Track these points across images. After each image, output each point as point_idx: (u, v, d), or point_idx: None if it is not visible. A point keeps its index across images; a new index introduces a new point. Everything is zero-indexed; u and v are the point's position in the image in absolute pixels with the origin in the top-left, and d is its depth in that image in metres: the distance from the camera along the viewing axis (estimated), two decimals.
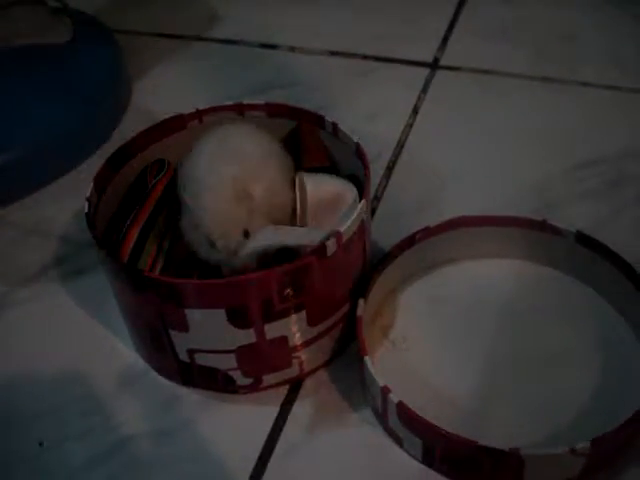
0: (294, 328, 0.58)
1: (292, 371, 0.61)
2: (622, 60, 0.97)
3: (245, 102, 0.69)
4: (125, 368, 0.65)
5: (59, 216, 0.80)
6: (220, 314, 0.55)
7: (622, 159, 0.82)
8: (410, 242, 0.66)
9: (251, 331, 0.56)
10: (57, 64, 0.91)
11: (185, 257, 0.62)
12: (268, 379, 0.61)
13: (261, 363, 0.59)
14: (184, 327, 0.56)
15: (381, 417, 0.58)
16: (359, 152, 0.63)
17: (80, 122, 0.88)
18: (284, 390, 0.62)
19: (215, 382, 0.61)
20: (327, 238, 0.54)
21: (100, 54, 0.96)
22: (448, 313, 0.66)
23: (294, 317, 0.57)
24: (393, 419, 0.55)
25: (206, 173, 0.57)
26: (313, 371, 0.63)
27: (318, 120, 0.67)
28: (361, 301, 0.61)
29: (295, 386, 0.62)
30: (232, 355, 0.58)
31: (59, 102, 0.87)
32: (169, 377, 0.63)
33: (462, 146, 0.86)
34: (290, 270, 0.53)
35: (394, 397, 0.54)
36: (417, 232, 0.67)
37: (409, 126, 0.89)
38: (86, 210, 0.59)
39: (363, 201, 0.58)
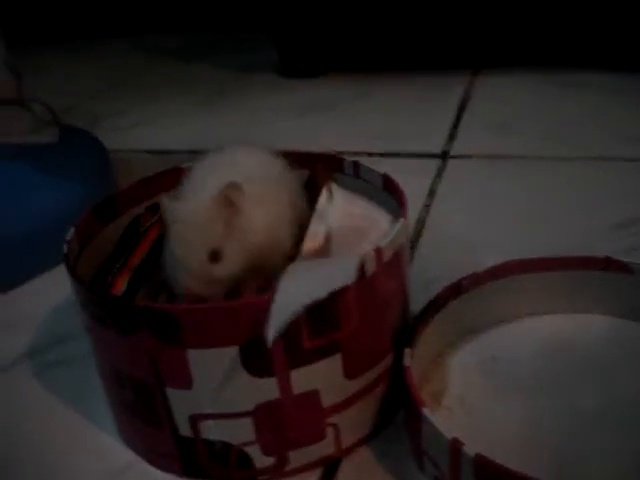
0: (327, 379, 0.45)
1: (326, 446, 0.47)
2: (626, 135, 0.93)
3: None
4: (108, 461, 0.50)
5: (36, 310, 0.69)
6: (233, 355, 0.42)
7: None
8: (456, 290, 0.55)
9: (273, 381, 0.44)
10: (44, 162, 0.85)
11: None
12: (295, 458, 0.47)
13: (286, 432, 0.46)
14: (185, 381, 0.44)
15: None
16: (387, 183, 0.54)
17: (63, 220, 0.79)
18: (316, 475, 0.48)
19: (226, 466, 0.47)
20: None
21: (86, 155, 0.90)
22: (510, 374, 0.54)
23: (327, 362, 0.44)
24: None
25: (190, 181, 0.47)
26: (352, 447, 0.49)
27: (336, 163, 0.59)
28: (407, 350, 0.49)
29: (330, 469, 0.48)
30: (249, 420, 0.45)
31: (44, 198, 0.80)
32: (165, 467, 0.49)
33: (485, 220, 0.78)
34: None
35: (469, 450, 0.40)
36: (463, 278, 0.56)
37: (427, 206, 0.82)
38: (65, 251, 0.49)
39: (402, 219, 0.48)
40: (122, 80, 1.41)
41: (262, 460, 0.46)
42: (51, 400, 0.57)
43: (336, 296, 0.42)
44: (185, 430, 0.46)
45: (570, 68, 1.16)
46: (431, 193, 0.84)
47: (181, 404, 0.45)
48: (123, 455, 0.51)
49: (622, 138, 0.93)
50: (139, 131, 1.14)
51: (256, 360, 0.43)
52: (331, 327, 0.44)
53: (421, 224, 0.78)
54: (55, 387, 0.58)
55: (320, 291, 0.41)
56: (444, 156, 0.94)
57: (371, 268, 0.44)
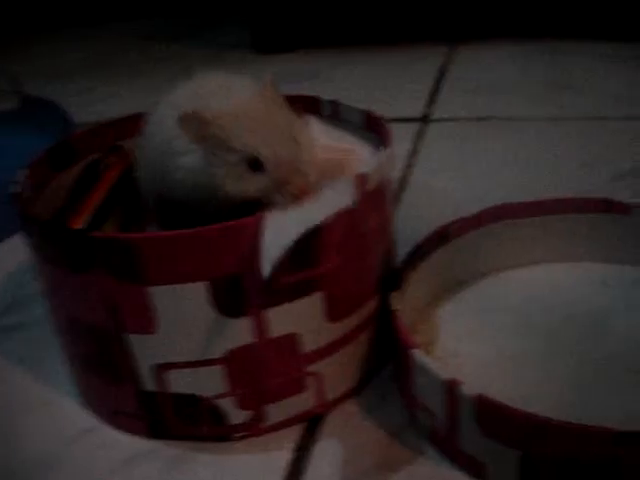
0: (307, 321, 0.41)
1: (307, 399, 0.43)
2: (613, 95, 0.90)
3: None
4: (69, 426, 0.45)
5: None
6: (201, 292, 0.38)
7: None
8: (443, 236, 0.51)
9: (247, 322, 0.39)
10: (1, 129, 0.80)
11: None
12: (273, 412, 0.42)
13: (262, 382, 0.41)
14: (148, 324, 0.39)
15: (446, 440, 0.39)
16: (370, 120, 0.50)
17: None
18: (297, 431, 0.43)
19: (197, 422, 0.42)
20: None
21: (48, 122, 0.85)
22: (504, 324, 0.50)
23: (306, 301, 0.40)
24: (469, 431, 0.37)
25: (218, 89, 0.43)
26: (337, 401, 0.44)
27: (314, 103, 0.55)
28: (394, 294, 0.45)
29: (313, 425, 0.43)
30: (220, 368, 0.40)
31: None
32: (130, 428, 0.44)
33: (470, 177, 0.74)
34: None
35: (468, 389, 0.36)
36: (451, 223, 0.52)
37: (409, 166, 0.77)
38: (13, 190, 0.44)
39: (387, 148, 0.44)
40: (94, 61, 1.36)
41: (236, 415, 0.42)
42: (8, 365, 0.52)
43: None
44: (149, 383, 0.41)
45: (552, 38, 1.13)
46: (413, 154, 0.80)
47: (144, 352, 0.40)
48: (84, 419, 0.46)
49: (609, 98, 0.90)
50: (105, 105, 1.09)
51: (227, 298, 0.38)
52: (310, 261, 0.39)
53: (403, 182, 0.74)
54: (12, 352, 0.53)
55: (316, 216, 0.36)
56: (425, 119, 0.90)
57: (354, 196, 0.40)
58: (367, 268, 0.43)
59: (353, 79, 1.09)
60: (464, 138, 0.84)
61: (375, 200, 0.42)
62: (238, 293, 0.38)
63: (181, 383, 0.41)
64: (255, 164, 0.38)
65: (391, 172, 0.45)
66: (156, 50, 1.39)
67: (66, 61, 1.37)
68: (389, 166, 0.44)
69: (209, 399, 0.41)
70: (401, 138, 0.85)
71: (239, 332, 0.39)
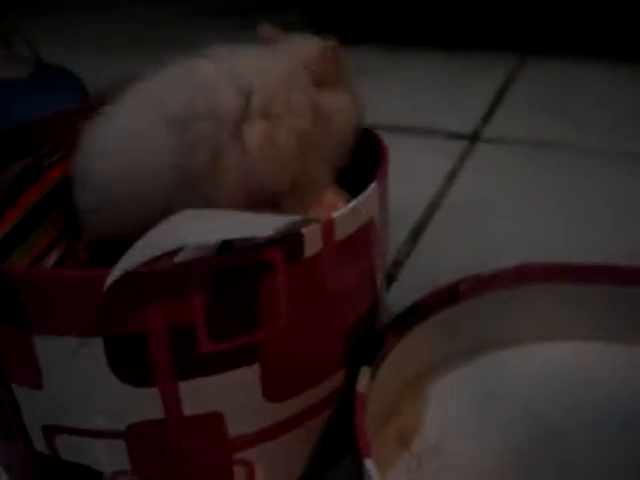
0: (237, 399, 0.31)
1: None
2: None
3: None
4: None
5: None
6: (96, 349, 0.29)
7: None
8: (451, 295, 0.41)
9: (154, 393, 0.30)
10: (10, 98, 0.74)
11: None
12: None
13: (174, 467, 0.32)
14: (34, 377, 0.30)
15: None
16: (368, 137, 0.41)
17: None
18: None
19: None
20: (297, 224, 0.30)
21: (61, 91, 0.78)
22: (509, 417, 0.40)
23: (237, 374, 0.31)
24: None
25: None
26: None
27: None
28: (365, 369, 0.35)
29: None
30: (120, 443, 0.31)
31: None
32: None
33: (510, 214, 0.63)
34: (230, 266, 0.29)
35: None
36: (461, 281, 0.42)
37: (442, 193, 0.67)
38: None
39: (375, 183, 0.34)
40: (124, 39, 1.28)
41: None
42: None
43: (255, 259, 0.29)
44: (40, 444, 0.33)
45: (633, 59, 0.99)
46: (451, 177, 0.70)
47: (32, 408, 0.32)
48: None
49: None
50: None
51: (128, 360, 0.29)
52: (246, 325, 0.30)
53: (431, 210, 0.64)
54: None
55: (215, 234, 0.27)
56: (474, 137, 0.79)
57: (314, 247, 0.30)
58: (330, 335, 0.34)
59: (403, 82, 0.99)
60: (513, 164, 0.73)
61: (351, 249, 0.33)
62: (142, 357, 0.29)
63: (75, 451, 0.32)
64: None
65: (383, 209, 0.36)
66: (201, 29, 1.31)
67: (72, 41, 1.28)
68: (379, 205, 0.35)
69: (110, 475, 0.32)
70: (443, 156, 0.75)
71: (144, 404, 0.30)
